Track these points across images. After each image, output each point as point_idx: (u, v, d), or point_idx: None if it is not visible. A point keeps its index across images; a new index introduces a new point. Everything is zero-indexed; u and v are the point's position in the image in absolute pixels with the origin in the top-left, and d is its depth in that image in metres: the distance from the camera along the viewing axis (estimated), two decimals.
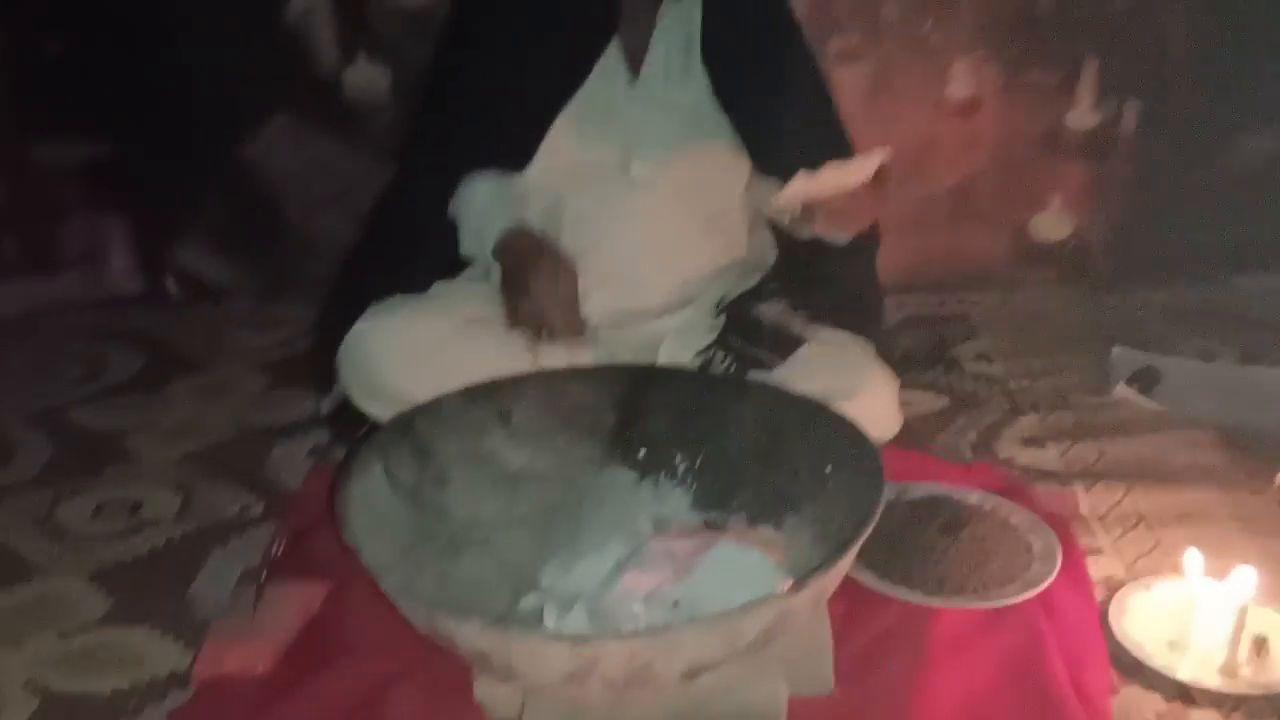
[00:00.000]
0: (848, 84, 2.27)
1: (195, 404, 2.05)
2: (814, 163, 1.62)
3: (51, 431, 1.97)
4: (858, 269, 1.81)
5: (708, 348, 1.73)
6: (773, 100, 1.71)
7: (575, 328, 1.63)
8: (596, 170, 1.71)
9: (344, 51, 2.24)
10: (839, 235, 1.73)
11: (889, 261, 2.31)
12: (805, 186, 1.56)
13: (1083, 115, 2.30)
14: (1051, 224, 2.37)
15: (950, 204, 2.35)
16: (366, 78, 2.26)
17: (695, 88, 1.71)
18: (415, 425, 1.37)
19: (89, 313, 2.40)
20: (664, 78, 1.71)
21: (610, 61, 1.70)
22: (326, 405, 1.83)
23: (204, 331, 2.33)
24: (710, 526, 1.36)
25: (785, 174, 1.67)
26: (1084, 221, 2.37)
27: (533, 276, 1.61)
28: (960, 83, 2.28)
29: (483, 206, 1.71)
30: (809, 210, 1.70)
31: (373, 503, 1.27)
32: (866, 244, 1.76)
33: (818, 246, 1.73)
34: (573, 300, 1.63)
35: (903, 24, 2.24)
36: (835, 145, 1.74)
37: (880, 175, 1.60)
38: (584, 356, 1.72)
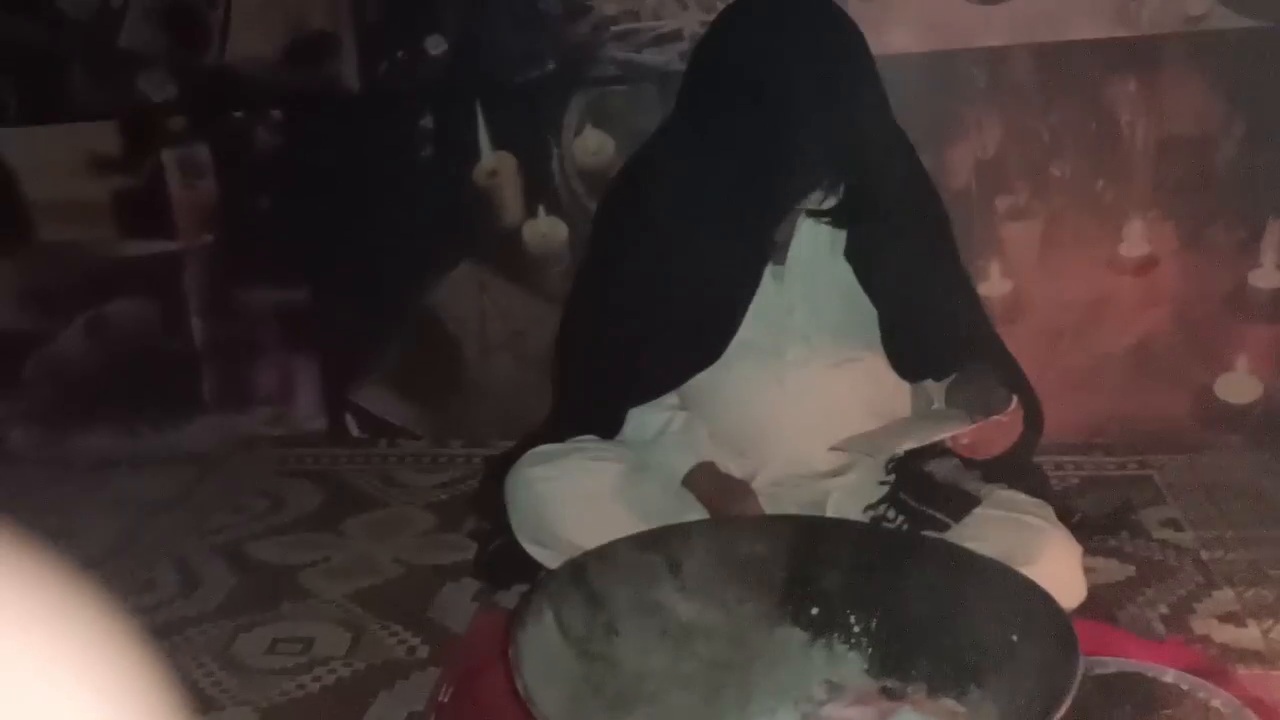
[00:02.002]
0: (1016, 240, 2.26)
1: (367, 542, 2.11)
2: (958, 371, 1.60)
3: (234, 564, 2.05)
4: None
5: (878, 503, 1.70)
6: (914, 310, 1.66)
7: None
8: (750, 354, 1.69)
9: (526, 206, 2.36)
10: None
11: (1066, 420, 2.28)
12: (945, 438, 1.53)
13: (1267, 275, 2.22)
14: (1238, 386, 2.27)
15: (1129, 362, 2.28)
16: (545, 230, 2.37)
17: (842, 267, 1.68)
18: (587, 572, 1.38)
19: (274, 449, 2.52)
20: (810, 258, 1.69)
21: None
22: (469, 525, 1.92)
23: (379, 470, 2.42)
24: (888, 695, 1.30)
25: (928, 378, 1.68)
26: (1274, 384, 2.26)
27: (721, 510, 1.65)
28: (1135, 241, 2.23)
29: (656, 437, 1.74)
30: None
31: (544, 651, 1.27)
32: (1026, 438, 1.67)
33: None
34: None
35: (1074, 182, 2.22)
36: (982, 353, 1.68)
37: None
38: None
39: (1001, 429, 1.53)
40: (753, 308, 1.68)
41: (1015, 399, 1.51)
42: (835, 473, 1.75)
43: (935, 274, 1.72)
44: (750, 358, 1.69)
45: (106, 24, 2.34)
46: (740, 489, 1.67)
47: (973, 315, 1.79)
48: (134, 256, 2.48)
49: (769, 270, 1.69)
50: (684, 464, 1.70)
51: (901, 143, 1.70)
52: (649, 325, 1.70)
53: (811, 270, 1.69)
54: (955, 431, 1.51)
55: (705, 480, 1.68)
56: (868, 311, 1.68)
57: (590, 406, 1.82)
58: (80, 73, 2.38)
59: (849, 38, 1.58)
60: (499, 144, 2.33)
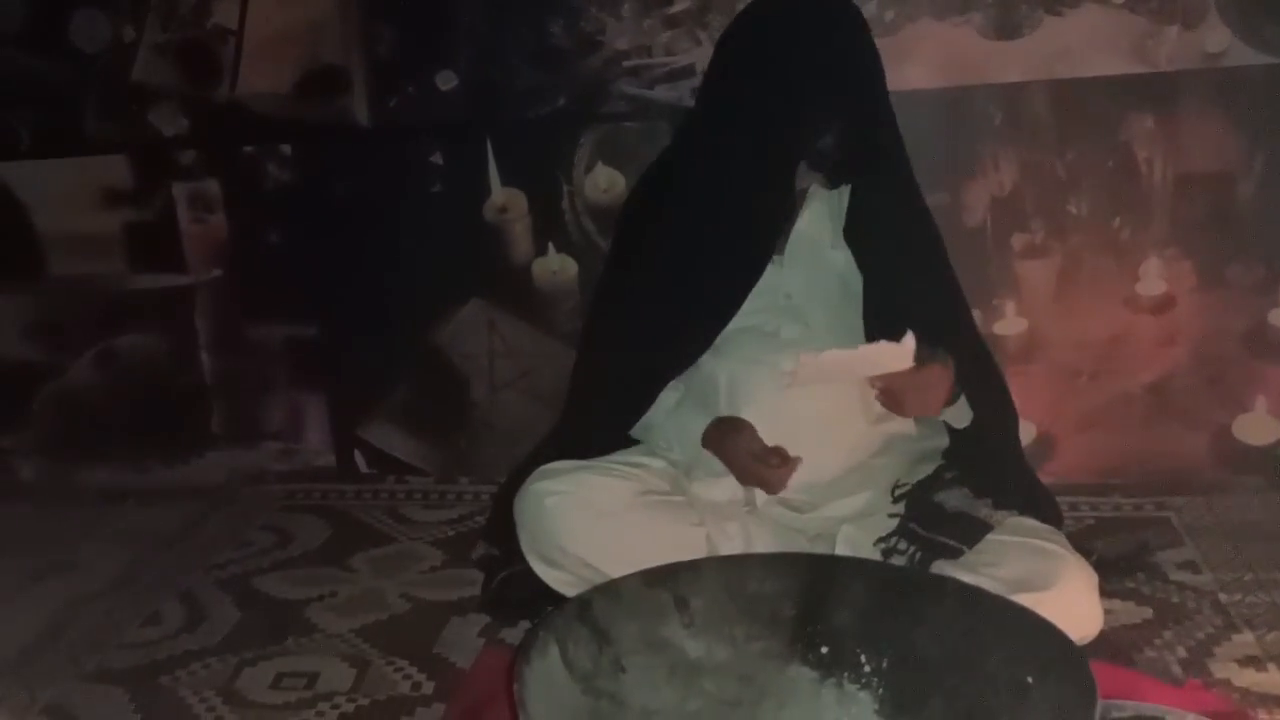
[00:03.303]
0: (1032, 278, 2.24)
1: (374, 577, 2.09)
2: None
3: (240, 598, 2.04)
4: (995, 452, 1.78)
5: (889, 535, 1.69)
6: (900, 281, 1.71)
7: (775, 481, 1.68)
8: (748, 336, 1.74)
9: (536, 243, 2.35)
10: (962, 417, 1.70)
11: (1082, 461, 2.25)
12: (821, 361, 1.56)
13: None
14: (1257, 426, 2.23)
15: (1147, 402, 2.25)
16: (555, 267, 2.36)
17: (840, 256, 1.74)
18: (593, 608, 1.35)
19: (282, 484, 2.51)
20: (810, 247, 1.75)
21: None
22: (477, 552, 1.97)
23: (387, 506, 2.40)
24: None
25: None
26: None
27: (723, 449, 1.71)
28: (1152, 279, 2.21)
29: (670, 418, 1.80)
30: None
31: (549, 687, 1.24)
32: (991, 424, 1.72)
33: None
34: (762, 451, 1.68)
35: (1090, 220, 2.21)
36: (948, 329, 1.73)
37: (923, 362, 1.57)
38: (761, 542, 1.70)
39: (917, 383, 1.58)
40: (754, 295, 1.73)
41: (911, 336, 1.54)
42: (841, 486, 1.74)
43: (926, 255, 1.79)
44: (750, 341, 1.73)
45: (119, 58, 2.37)
46: (737, 423, 1.71)
47: (950, 300, 1.83)
48: (144, 290, 2.49)
49: (770, 259, 1.74)
50: (701, 426, 1.74)
51: (893, 125, 1.76)
52: (664, 305, 1.76)
53: (810, 258, 1.75)
54: (850, 363, 1.56)
55: (714, 430, 1.73)
56: (860, 296, 1.73)
57: (607, 394, 1.85)
58: (92, 107, 2.40)
59: (853, 17, 1.70)
60: (509, 180, 2.33)
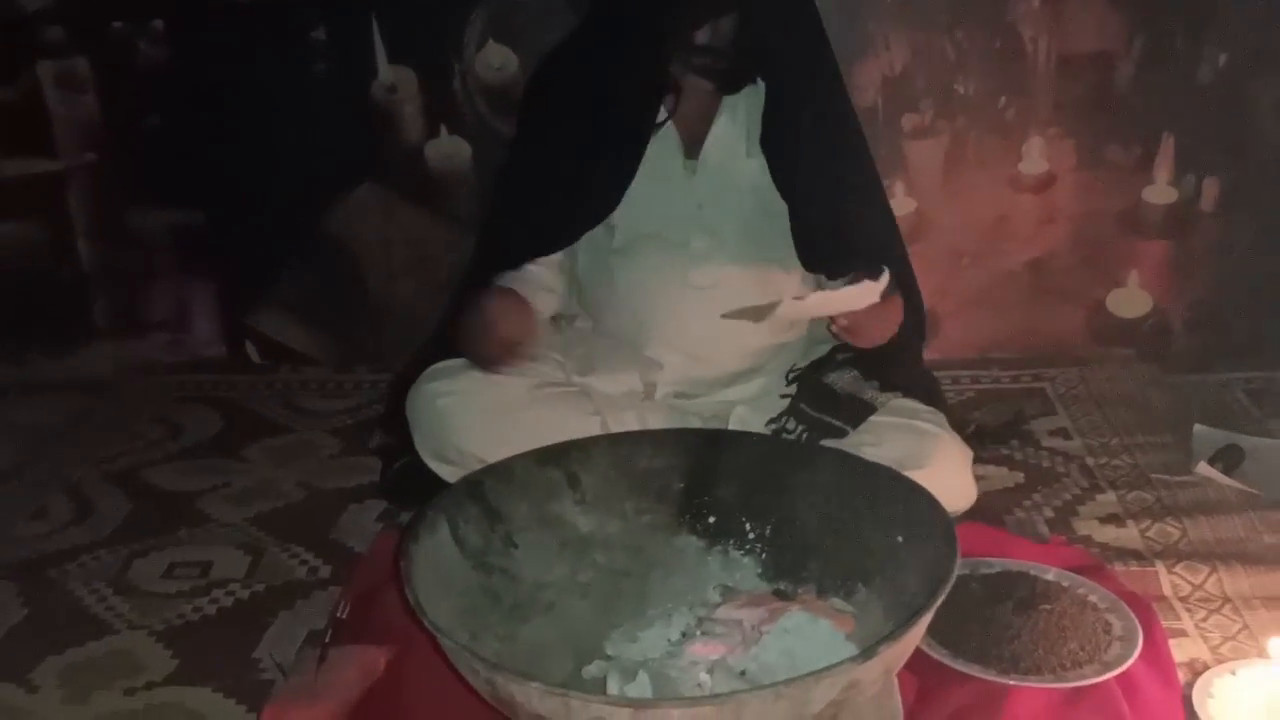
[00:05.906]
0: (921, 159, 2.27)
1: (269, 467, 2.08)
2: (856, 268, 1.57)
3: (129, 491, 2.01)
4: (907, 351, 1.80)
5: (779, 416, 1.73)
6: (825, 200, 1.68)
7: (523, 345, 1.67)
8: (657, 247, 1.72)
9: (427, 125, 2.30)
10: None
11: (964, 337, 2.33)
12: (805, 306, 1.52)
13: (1160, 191, 2.26)
14: (1129, 301, 2.33)
15: (1026, 279, 2.33)
16: (448, 150, 2.31)
17: (755, 166, 1.70)
18: (484, 486, 1.37)
19: (172, 375, 2.46)
20: (724, 155, 1.72)
21: (669, 140, 1.71)
22: (374, 440, 1.96)
23: (282, 396, 2.37)
24: (779, 596, 1.33)
25: (827, 273, 1.65)
26: (1163, 299, 2.32)
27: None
28: (1034, 159, 2.26)
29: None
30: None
31: (438, 563, 1.27)
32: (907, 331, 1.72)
33: None
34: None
35: (977, 100, 2.24)
36: (883, 252, 1.70)
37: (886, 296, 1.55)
38: (655, 421, 1.73)
39: (878, 315, 1.56)
40: (663, 202, 1.70)
41: (887, 273, 1.51)
42: (738, 377, 1.76)
43: (847, 170, 1.75)
44: (657, 250, 1.71)
45: None
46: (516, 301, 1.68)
47: (880, 217, 1.82)
48: (13, 176, 2.37)
49: (682, 165, 1.72)
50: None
51: (817, 32, 1.71)
52: (554, 183, 1.72)
53: (724, 168, 1.71)
54: (830, 304, 1.52)
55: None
56: (778, 211, 1.69)
57: (496, 263, 1.81)
58: None
59: None
60: (397, 59, 2.26)
